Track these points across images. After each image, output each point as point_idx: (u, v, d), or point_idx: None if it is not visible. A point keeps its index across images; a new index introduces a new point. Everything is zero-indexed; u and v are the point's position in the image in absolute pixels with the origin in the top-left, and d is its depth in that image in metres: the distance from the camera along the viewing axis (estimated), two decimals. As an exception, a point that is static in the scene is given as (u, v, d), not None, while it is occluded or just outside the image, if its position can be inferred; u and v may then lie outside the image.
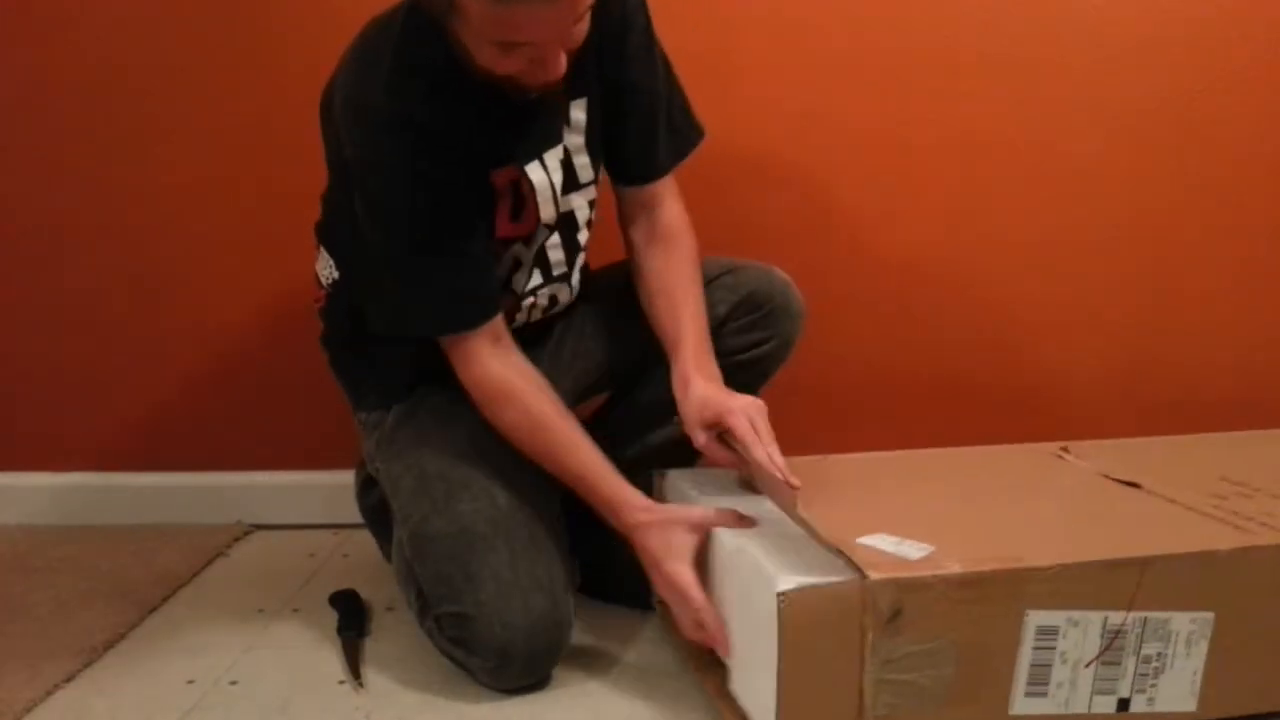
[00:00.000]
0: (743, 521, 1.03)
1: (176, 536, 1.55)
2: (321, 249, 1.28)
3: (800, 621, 0.85)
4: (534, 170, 1.14)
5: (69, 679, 1.14)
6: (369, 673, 1.15)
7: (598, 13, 1.04)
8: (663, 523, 1.05)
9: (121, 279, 1.59)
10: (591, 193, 1.23)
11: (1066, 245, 1.55)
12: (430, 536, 1.14)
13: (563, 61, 0.99)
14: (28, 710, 1.08)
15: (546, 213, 1.17)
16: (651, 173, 1.23)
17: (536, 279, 1.22)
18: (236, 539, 1.57)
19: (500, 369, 1.12)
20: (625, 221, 1.25)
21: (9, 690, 1.11)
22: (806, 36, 1.49)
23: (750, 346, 1.26)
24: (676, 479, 1.19)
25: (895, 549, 0.91)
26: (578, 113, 1.17)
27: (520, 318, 1.24)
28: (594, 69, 1.16)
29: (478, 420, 1.17)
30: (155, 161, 1.55)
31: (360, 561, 1.48)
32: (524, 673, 1.09)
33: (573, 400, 1.27)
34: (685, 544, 1.03)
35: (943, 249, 1.56)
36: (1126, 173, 1.53)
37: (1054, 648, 0.90)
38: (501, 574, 1.08)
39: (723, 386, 1.11)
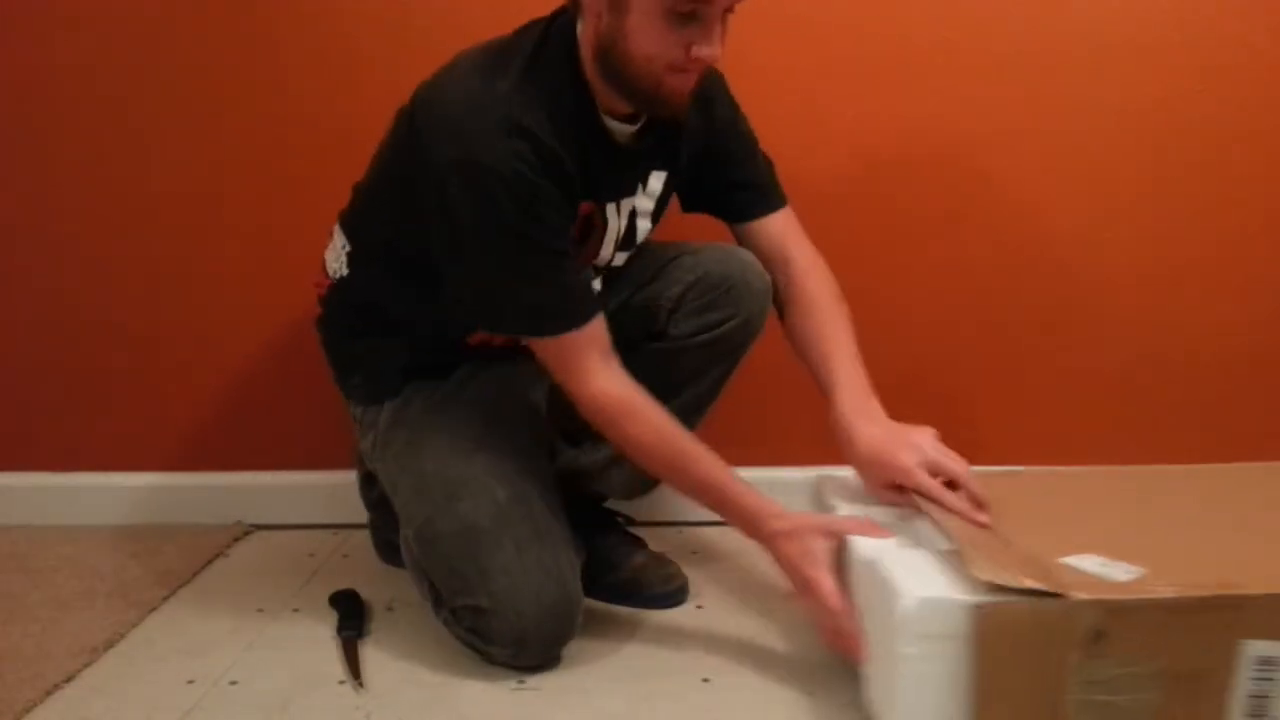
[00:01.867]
0: (878, 531, 1.03)
1: (176, 536, 1.55)
2: (337, 235, 1.27)
3: (992, 636, 0.84)
4: (610, 211, 1.17)
5: (69, 679, 1.14)
6: (369, 673, 1.15)
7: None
8: (799, 530, 1.06)
9: (121, 279, 1.59)
10: (626, 255, 1.25)
11: (1067, 245, 1.55)
12: (435, 537, 1.15)
13: (719, 48, 1.04)
14: (28, 710, 1.08)
15: (605, 253, 1.20)
16: (772, 202, 1.26)
17: None
18: (236, 539, 1.57)
19: (619, 386, 1.12)
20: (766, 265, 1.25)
21: (9, 690, 1.11)
22: (806, 36, 1.49)
23: (711, 326, 1.22)
24: (833, 485, 1.18)
25: (1101, 570, 0.89)
26: (655, 182, 1.21)
27: None
28: (677, 143, 1.20)
29: (470, 416, 1.19)
30: (155, 161, 1.55)
31: (360, 561, 1.48)
32: (539, 655, 1.13)
33: None
34: (821, 550, 1.04)
35: (943, 249, 1.56)
36: (1128, 173, 1.53)
37: (1274, 679, 0.86)
38: (510, 567, 1.10)
39: (887, 429, 1.10)
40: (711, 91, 1.21)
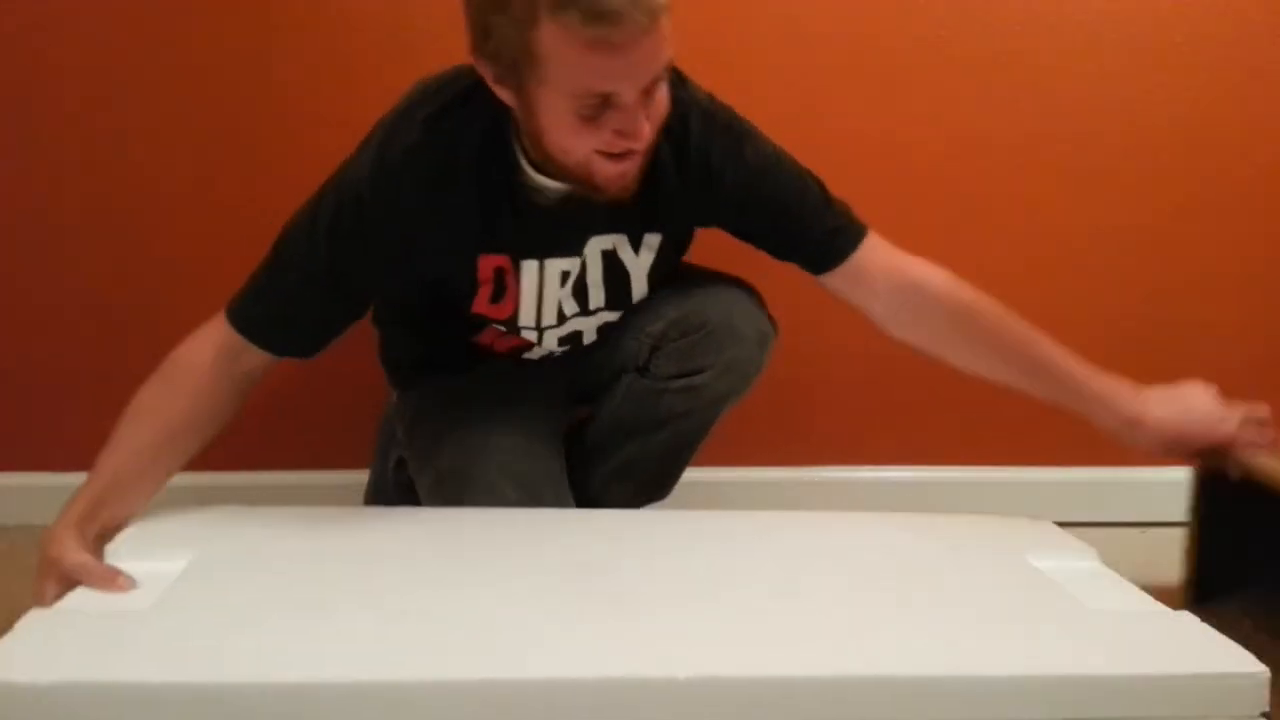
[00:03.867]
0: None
1: (176, 536, 1.55)
2: None
3: None
4: (527, 269, 1.12)
5: (69, 679, 1.14)
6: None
7: (677, 155, 1.07)
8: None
9: (121, 279, 1.59)
10: (613, 317, 1.21)
11: (1068, 246, 1.55)
12: None
13: (647, 130, 0.95)
14: (28, 710, 1.07)
15: (526, 313, 1.15)
16: (842, 244, 1.16)
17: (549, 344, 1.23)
18: (236, 539, 1.57)
19: (195, 354, 1.10)
20: (877, 313, 1.19)
21: (9, 690, 1.11)
22: (807, 36, 1.50)
23: (691, 372, 1.19)
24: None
25: None
26: (647, 246, 1.16)
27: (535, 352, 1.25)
28: (658, 206, 1.13)
29: (489, 415, 1.20)
30: (156, 161, 1.55)
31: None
32: None
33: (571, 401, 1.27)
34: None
35: (943, 250, 1.56)
36: (1129, 173, 1.53)
37: None
38: None
39: (1172, 406, 1.09)
40: (709, 159, 1.12)
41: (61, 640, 0.79)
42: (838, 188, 1.55)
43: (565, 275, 1.14)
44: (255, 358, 1.08)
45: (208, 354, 1.07)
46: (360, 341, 1.47)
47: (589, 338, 1.22)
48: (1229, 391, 1.59)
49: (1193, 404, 1.06)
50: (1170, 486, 1.57)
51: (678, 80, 1.10)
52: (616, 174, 0.99)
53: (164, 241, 1.58)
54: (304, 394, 1.58)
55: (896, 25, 1.50)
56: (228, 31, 1.52)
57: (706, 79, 1.27)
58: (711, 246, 1.30)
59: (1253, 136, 1.53)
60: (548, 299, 1.14)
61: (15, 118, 1.56)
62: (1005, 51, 1.50)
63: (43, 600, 0.93)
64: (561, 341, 1.20)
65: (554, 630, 0.81)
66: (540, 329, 1.17)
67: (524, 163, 1.06)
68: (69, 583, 0.94)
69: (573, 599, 0.88)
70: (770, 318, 1.21)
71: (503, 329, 1.19)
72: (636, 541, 1.04)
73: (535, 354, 1.24)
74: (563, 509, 1.16)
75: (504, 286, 1.13)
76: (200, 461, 1.65)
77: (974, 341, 1.14)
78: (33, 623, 0.82)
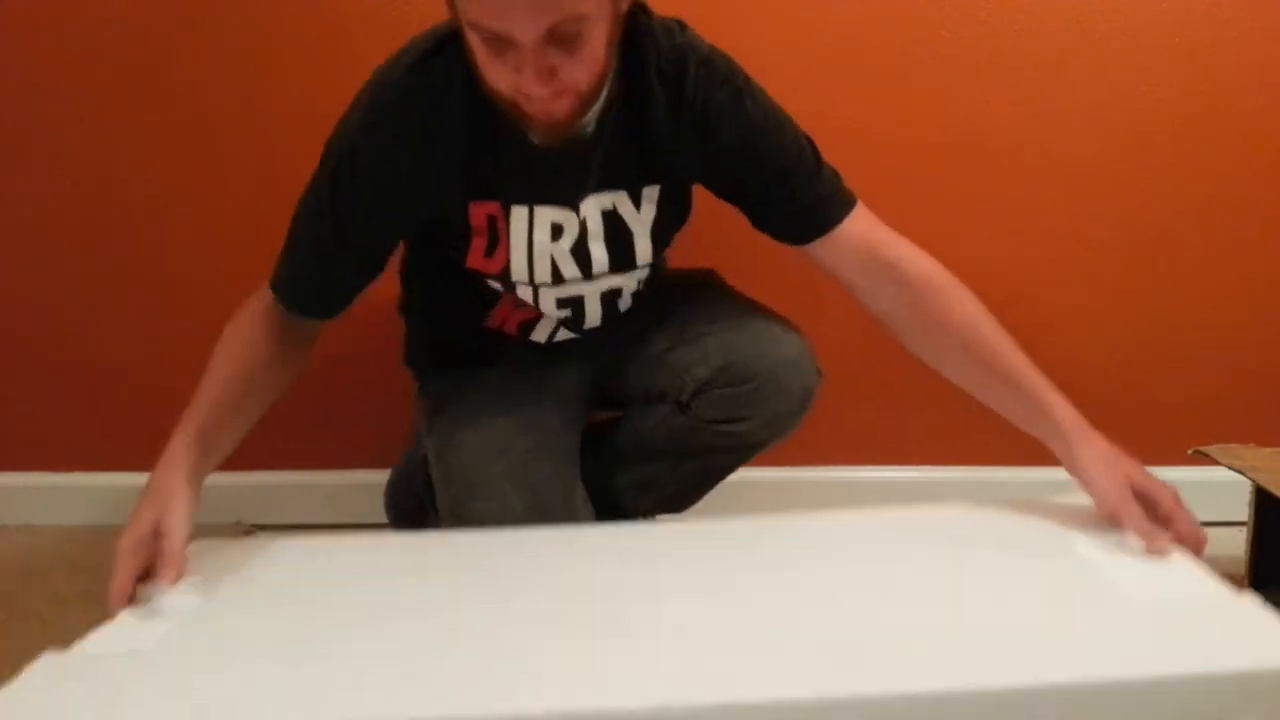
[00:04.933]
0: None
1: (176, 536, 1.55)
2: None
3: None
4: (516, 215, 1.09)
5: (69, 679, 1.14)
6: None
7: (673, 103, 1.04)
8: None
9: (121, 279, 1.59)
10: (645, 272, 1.18)
11: (1068, 246, 1.55)
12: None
13: (541, 88, 0.92)
14: (28, 710, 1.08)
15: (518, 262, 1.11)
16: (830, 213, 1.11)
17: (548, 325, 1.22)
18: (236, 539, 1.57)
19: (255, 308, 1.13)
20: (847, 283, 1.13)
21: (9, 690, 1.11)
22: (806, 36, 1.49)
23: (734, 420, 1.17)
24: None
25: None
26: (648, 200, 1.12)
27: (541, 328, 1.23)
28: (657, 159, 1.10)
29: (505, 414, 1.18)
30: (155, 160, 1.55)
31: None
32: None
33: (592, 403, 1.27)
34: None
35: (943, 250, 1.56)
36: (1129, 174, 1.53)
37: None
38: None
39: (1103, 455, 1.00)
40: (708, 106, 1.08)
41: (65, 689, 0.80)
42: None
43: (558, 228, 1.10)
44: (296, 316, 1.11)
45: (261, 310, 1.11)
46: (379, 340, 1.47)
47: (592, 307, 1.18)
48: (1228, 391, 1.59)
49: (1096, 480, 0.98)
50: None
51: (678, 28, 1.08)
52: (541, 112, 0.96)
53: (164, 241, 1.58)
54: (304, 394, 1.57)
55: (897, 25, 1.50)
56: (229, 29, 1.52)
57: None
58: (721, 245, 1.29)
59: (1253, 136, 1.52)
60: (539, 250, 1.11)
61: (16, 117, 1.56)
62: (1006, 53, 1.50)
63: (140, 526, 0.97)
64: (561, 305, 1.17)
65: (591, 661, 0.78)
66: (535, 285, 1.14)
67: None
68: (151, 538, 0.96)
69: (608, 625, 0.84)
70: (818, 368, 1.18)
71: (498, 286, 1.16)
72: (685, 561, 0.98)
73: (542, 332, 1.23)
74: (578, 525, 1.14)
75: (496, 237, 1.10)
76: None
77: (934, 335, 1.09)
78: (42, 667, 0.83)
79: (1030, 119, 1.51)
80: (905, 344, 1.12)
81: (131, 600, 0.93)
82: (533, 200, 1.09)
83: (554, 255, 1.11)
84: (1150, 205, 1.54)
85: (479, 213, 1.09)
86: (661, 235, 1.15)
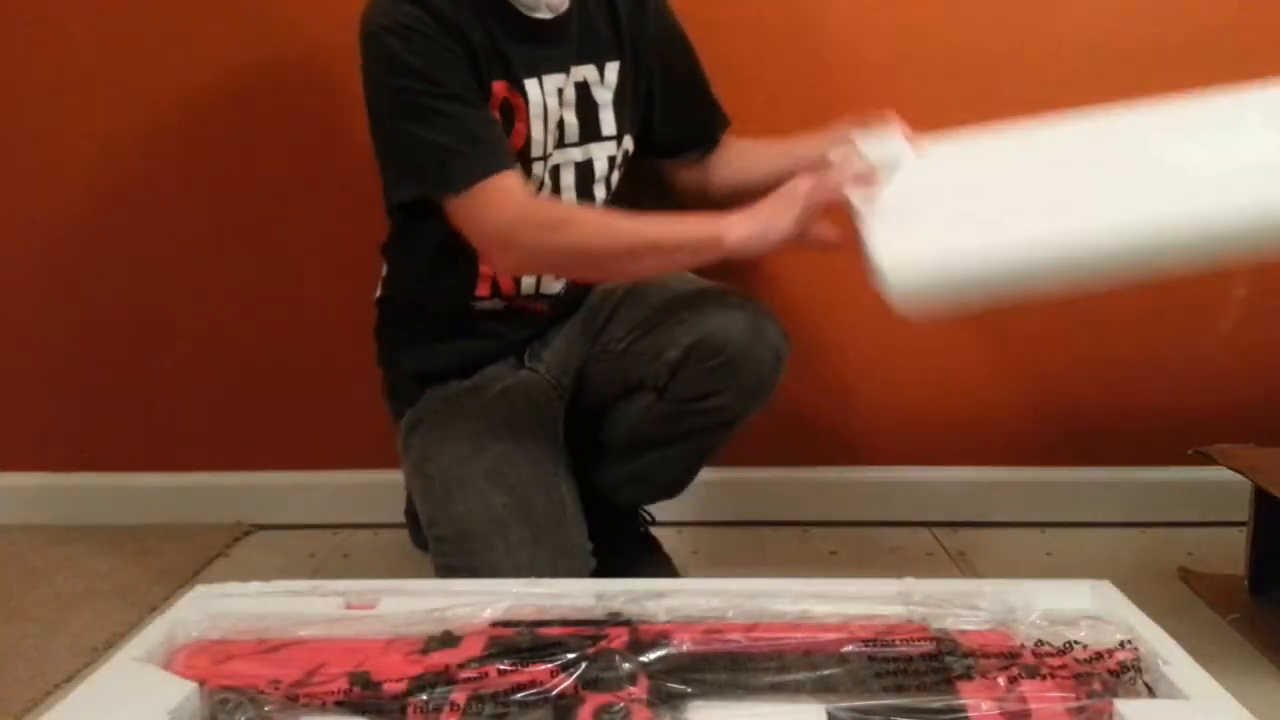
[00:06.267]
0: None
1: (176, 536, 1.55)
2: (382, 268, 1.31)
3: None
4: (531, 87, 1.16)
5: (69, 679, 1.14)
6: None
7: None
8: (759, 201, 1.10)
9: (120, 278, 1.58)
10: (612, 149, 1.24)
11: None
12: (437, 539, 1.16)
13: None
14: (28, 710, 1.08)
15: (536, 134, 1.17)
16: (714, 133, 1.33)
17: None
18: (236, 539, 1.57)
19: (542, 200, 1.18)
20: (687, 190, 1.34)
21: (9, 690, 1.11)
22: (806, 36, 1.49)
23: (709, 395, 1.18)
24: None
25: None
26: (610, 73, 1.22)
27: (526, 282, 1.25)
28: (621, 35, 1.23)
29: (480, 420, 1.19)
30: (155, 160, 1.55)
31: (360, 561, 1.48)
32: None
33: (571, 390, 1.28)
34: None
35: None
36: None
37: None
38: (500, 567, 1.10)
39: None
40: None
41: None
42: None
43: (561, 93, 1.19)
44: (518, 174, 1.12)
45: (526, 204, 1.11)
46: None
47: (566, 183, 1.23)
48: (1228, 392, 1.59)
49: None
50: (1169, 487, 1.58)
51: None
52: None
53: (164, 241, 1.58)
54: (304, 394, 1.57)
55: (897, 26, 1.50)
56: (230, 28, 1.51)
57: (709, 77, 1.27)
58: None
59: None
60: (551, 115, 1.18)
61: (15, 117, 1.56)
62: (1006, 53, 1.50)
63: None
64: (545, 177, 1.22)
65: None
66: (547, 158, 1.20)
67: None
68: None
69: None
70: (784, 333, 1.20)
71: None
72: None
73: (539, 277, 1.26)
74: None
75: (512, 114, 1.16)
76: (200, 461, 1.66)
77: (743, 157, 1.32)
78: None
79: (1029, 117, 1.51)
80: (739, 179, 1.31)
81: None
82: (540, 71, 1.17)
83: (563, 115, 1.20)
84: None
85: (498, 92, 1.14)
86: (621, 114, 1.24)
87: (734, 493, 1.58)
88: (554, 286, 1.25)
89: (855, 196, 1.03)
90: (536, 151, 1.18)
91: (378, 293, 1.30)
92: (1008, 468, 1.60)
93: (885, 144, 1.12)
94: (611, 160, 1.24)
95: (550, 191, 1.21)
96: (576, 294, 1.30)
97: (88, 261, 1.58)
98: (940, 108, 1.51)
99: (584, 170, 1.23)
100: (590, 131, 1.22)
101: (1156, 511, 1.57)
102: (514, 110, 1.16)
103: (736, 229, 1.06)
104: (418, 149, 1.09)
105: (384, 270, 1.30)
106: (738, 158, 1.33)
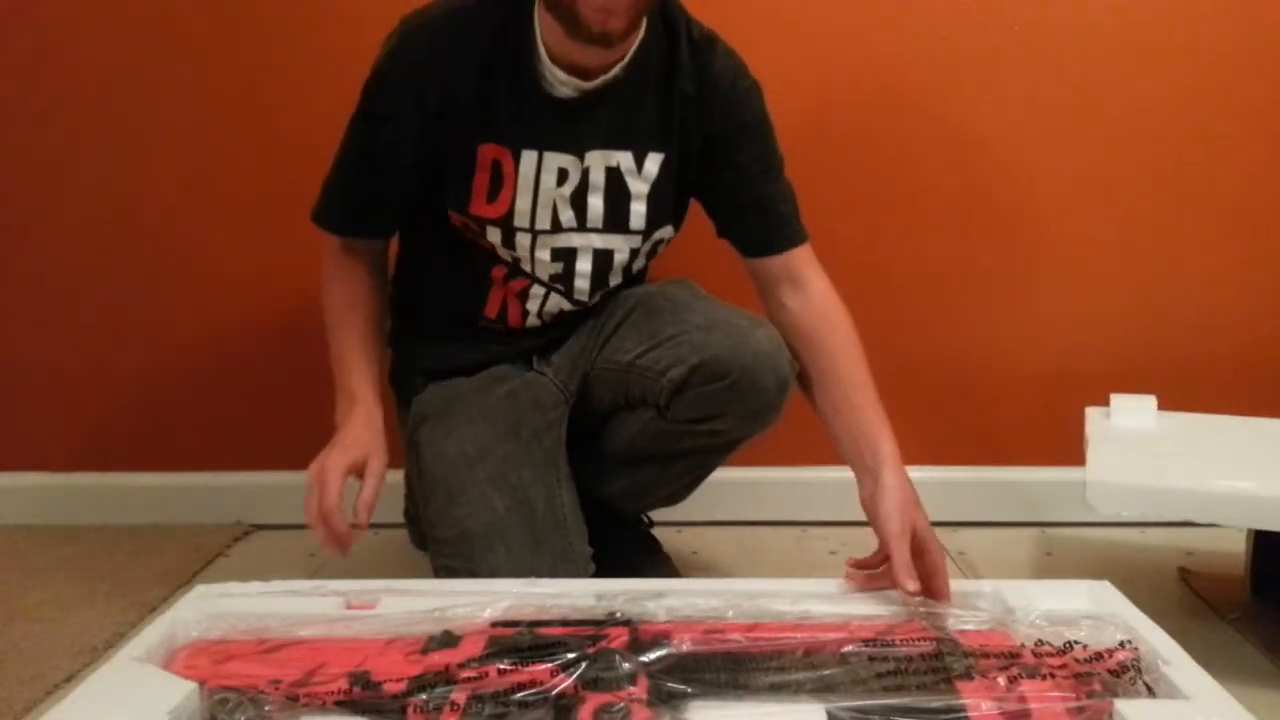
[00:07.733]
0: None
1: (176, 536, 1.55)
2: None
3: None
4: (526, 158, 1.13)
5: (69, 679, 1.14)
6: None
7: (699, 71, 1.14)
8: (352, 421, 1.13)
9: (121, 278, 1.59)
10: (636, 242, 1.20)
11: (1067, 245, 1.55)
12: (438, 541, 1.16)
13: None
14: (28, 710, 1.08)
15: (523, 204, 1.15)
16: (766, 249, 1.19)
17: (534, 300, 1.23)
18: (236, 539, 1.57)
19: (338, 267, 1.20)
20: (768, 299, 1.21)
21: (9, 690, 1.11)
22: (806, 36, 1.49)
23: (711, 418, 1.17)
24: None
25: None
26: (651, 164, 1.17)
27: (531, 308, 1.24)
28: (672, 125, 1.16)
29: (484, 422, 1.18)
30: (155, 160, 1.55)
31: (360, 561, 1.47)
32: None
33: (575, 393, 1.28)
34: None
35: (943, 250, 1.56)
36: (1126, 173, 1.53)
37: None
38: (499, 569, 1.09)
39: (900, 501, 1.06)
40: (735, 85, 1.16)
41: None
42: (837, 188, 1.55)
43: (564, 174, 1.15)
44: (357, 244, 1.20)
45: (333, 258, 1.20)
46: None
47: (583, 265, 1.20)
48: (1228, 392, 1.59)
49: (887, 517, 1.03)
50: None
51: (690, 17, 1.18)
52: (599, 9, 1.02)
53: (164, 241, 1.58)
54: (304, 394, 1.57)
55: (896, 27, 1.50)
56: (230, 27, 1.51)
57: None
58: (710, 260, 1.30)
59: (1252, 136, 1.52)
60: (543, 195, 1.15)
61: (15, 117, 1.56)
62: (1005, 53, 1.50)
63: (348, 461, 1.09)
64: (555, 257, 1.18)
65: None
66: (534, 232, 1.16)
67: (541, 51, 1.10)
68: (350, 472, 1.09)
69: None
70: (791, 360, 1.18)
71: (495, 238, 1.17)
72: None
73: (534, 303, 1.23)
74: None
75: (501, 181, 1.14)
76: (200, 461, 1.66)
77: (816, 378, 1.18)
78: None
79: (1030, 121, 1.51)
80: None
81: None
82: (544, 146, 1.14)
83: (556, 201, 1.16)
84: (1151, 204, 1.54)
85: (486, 155, 1.13)
86: (657, 207, 1.18)
87: (734, 493, 1.58)
88: (551, 301, 1.24)
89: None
90: (521, 222, 1.16)
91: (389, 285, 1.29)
92: (1007, 467, 1.61)
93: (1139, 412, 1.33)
94: (634, 252, 1.21)
95: (547, 264, 1.19)
96: (587, 313, 1.27)
97: (88, 262, 1.58)
98: (939, 107, 1.52)
99: (602, 259, 1.20)
100: (617, 221, 1.18)
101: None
102: (503, 176, 1.14)
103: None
104: (331, 168, 1.19)
105: (392, 272, 1.29)
106: (803, 334, 1.18)
